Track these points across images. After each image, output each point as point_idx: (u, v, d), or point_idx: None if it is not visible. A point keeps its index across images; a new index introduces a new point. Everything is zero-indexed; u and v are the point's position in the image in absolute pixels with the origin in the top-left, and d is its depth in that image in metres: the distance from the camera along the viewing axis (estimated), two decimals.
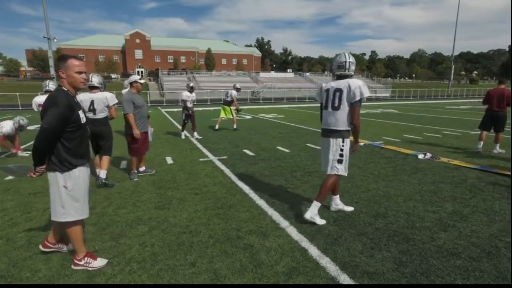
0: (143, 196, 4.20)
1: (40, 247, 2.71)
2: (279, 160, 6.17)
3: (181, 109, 9.46)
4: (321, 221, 3.27)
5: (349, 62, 3.17)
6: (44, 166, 2.28)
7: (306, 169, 5.48)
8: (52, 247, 2.71)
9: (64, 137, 2.27)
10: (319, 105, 3.48)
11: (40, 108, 5.22)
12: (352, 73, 3.22)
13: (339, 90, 3.16)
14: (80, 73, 2.32)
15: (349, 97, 3.11)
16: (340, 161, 3.26)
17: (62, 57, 2.31)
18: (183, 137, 9.05)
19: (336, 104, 3.17)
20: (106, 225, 3.32)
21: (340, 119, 3.17)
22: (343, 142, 3.22)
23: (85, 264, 2.51)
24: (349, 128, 3.22)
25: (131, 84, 4.99)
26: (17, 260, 2.66)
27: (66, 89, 2.30)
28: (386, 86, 48.51)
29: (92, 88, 4.86)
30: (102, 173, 4.64)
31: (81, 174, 2.43)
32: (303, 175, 5.14)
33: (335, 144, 3.23)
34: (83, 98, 4.75)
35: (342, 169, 3.29)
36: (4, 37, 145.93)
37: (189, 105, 8.85)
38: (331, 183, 3.30)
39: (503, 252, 2.69)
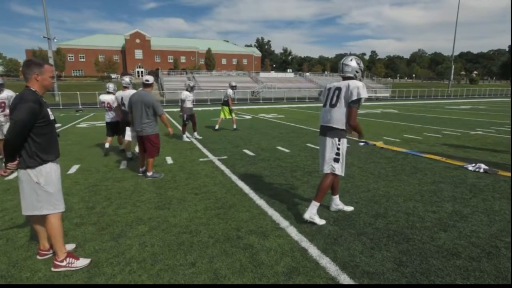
0: (143, 196, 4.20)
1: (37, 257, 2.71)
2: (279, 160, 6.17)
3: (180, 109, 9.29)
4: (320, 221, 3.27)
5: (342, 64, 3.30)
6: (15, 163, 2.35)
7: (306, 169, 5.47)
8: (48, 253, 2.71)
9: (34, 133, 2.36)
10: (322, 105, 3.51)
11: (104, 105, 6.92)
12: (350, 74, 3.26)
13: (339, 89, 3.22)
14: (52, 77, 2.57)
15: (346, 96, 3.13)
16: (336, 160, 3.26)
17: (36, 62, 2.46)
18: (186, 139, 8.71)
19: (334, 102, 3.22)
20: (106, 225, 3.32)
21: (335, 117, 3.19)
22: (339, 141, 3.24)
23: (67, 265, 2.52)
24: (345, 128, 3.22)
25: (149, 84, 5.11)
26: (17, 260, 2.66)
27: (34, 89, 2.43)
28: (386, 86, 48.51)
29: (124, 87, 6.30)
30: (128, 154, 6.36)
31: (52, 169, 2.49)
32: (303, 175, 5.14)
33: (331, 142, 3.25)
34: (123, 94, 6.16)
35: (338, 168, 3.29)
36: (4, 37, 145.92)
37: (189, 105, 8.79)
38: (328, 183, 3.30)
39: (503, 252, 2.69)
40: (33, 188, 2.42)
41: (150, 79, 5.12)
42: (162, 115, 4.97)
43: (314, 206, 3.25)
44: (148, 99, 4.87)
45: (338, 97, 3.19)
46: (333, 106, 3.22)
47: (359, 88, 3.08)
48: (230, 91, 10.11)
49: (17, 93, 2.46)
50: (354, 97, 3.08)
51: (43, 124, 2.40)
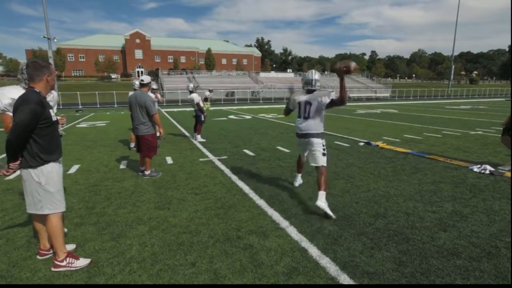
0: (143, 196, 4.20)
1: (37, 256, 2.71)
2: (279, 160, 6.17)
3: (191, 110, 9.20)
4: (330, 213, 3.45)
5: (315, 79, 3.82)
6: (17, 163, 2.36)
7: (306, 169, 5.46)
8: (48, 253, 2.71)
9: (36, 133, 2.37)
10: (286, 103, 4.12)
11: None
12: (319, 88, 3.85)
13: (309, 104, 3.78)
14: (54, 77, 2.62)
15: (320, 106, 3.70)
16: (324, 155, 3.81)
17: (43, 63, 2.48)
18: (199, 139, 8.64)
19: (307, 115, 3.82)
20: (106, 225, 3.32)
21: (314, 125, 3.79)
22: (322, 140, 3.82)
23: (67, 265, 2.52)
24: (323, 131, 3.83)
25: (145, 85, 5.11)
26: (17, 260, 2.66)
27: (38, 91, 2.44)
28: (386, 86, 48.48)
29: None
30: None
31: (53, 169, 2.51)
32: (303, 175, 5.13)
33: (318, 143, 3.79)
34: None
35: (326, 161, 3.82)
36: (4, 37, 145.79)
37: (202, 104, 8.76)
38: (325, 173, 3.76)
39: (503, 252, 2.69)
40: (34, 187, 2.44)
41: (146, 79, 5.12)
42: (155, 115, 4.97)
43: (322, 195, 3.55)
44: (141, 99, 4.90)
45: (310, 110, 3.78)
46: (307, 118, 3.82)
47: (329, 93, 3.67)
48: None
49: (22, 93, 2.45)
50: (328, 101, 3.64)
51: (45, 126, 2.40)
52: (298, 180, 4.57)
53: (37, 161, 2.40)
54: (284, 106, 23.59)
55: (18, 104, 2.32)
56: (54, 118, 2.51)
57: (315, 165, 3.83)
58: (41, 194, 2.45)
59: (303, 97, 3.85)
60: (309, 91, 3.85)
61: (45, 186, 2.45)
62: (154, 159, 6.26)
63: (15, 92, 3.03)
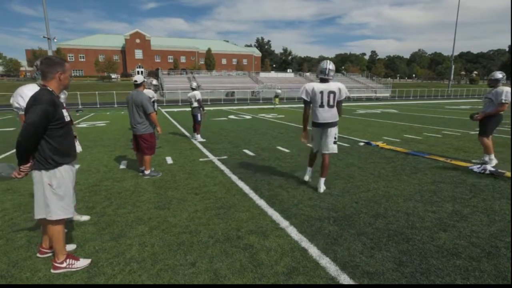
0: (143, 196, 4.20)
1: (37, 254, 2.70)
2: (279, 160, 6.17)
3: (190, 109, 9.01)
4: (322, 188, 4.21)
5: (329, 69, 4.03)
6: (28, 165, 2.30)
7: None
8: (49, 252, 2.70)
9: (48, 135, 2.29)
10: (305, 102, 4.13)
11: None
12: (332, 78, 4.07)
13: (333, 93, 4.02)
14: (70, 75, 2.53)
15: (339, 97, 4.09)
16: (335, 143, 4.21)
17: (57, 60, 2.39)
18: (199, 139, 8.61)
19: (332, 103, 4.07)
20: (106, 225, 3.32)
21: (335, 114, 4.13)
22: (337, 128, 4.19)
23: (67, 266, 2.49)
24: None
25: (138, 85, 5.10)
26: (17, 260, 2.66)
27: (51, 89, 2.36)
28: (386, 86, 48.50)
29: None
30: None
31: (66, 172, 2.43)
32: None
33: (334, 131, 4.15)
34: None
35: (336, 148, 4.25)
36: (4, 37, 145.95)
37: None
38: (329, 161, 4.26)
39: (503, 252, 2.69)
40: (44, 190, 2.36)
41: (138, 79, 5.13)
42: (151, 113, 4.97)
43: (322, 181, 4.25)
44: (137, 98, 4.91)
45: (334, 99, 4.06)
46: (331, 106, 4.08)
47: (345, 88, 4.15)
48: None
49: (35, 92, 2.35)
50: (344, 96, 4.11)
51: (57, 126, 2.32)
52: (309, 174, 4.58)
53: (50, 163, 2.32)
54: (283, 106, 23.69)
55: (30, 104, 2.23)
56: (67, 119, 2.41)
57: (327, 152, 4.20)
58: (50, 198, 2.37)
59: (322, 86, 4.03)
60: (323, 80, 4.07)
61: (56, 189, 2.38)
62: (154, 159, 6.26)
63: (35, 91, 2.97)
